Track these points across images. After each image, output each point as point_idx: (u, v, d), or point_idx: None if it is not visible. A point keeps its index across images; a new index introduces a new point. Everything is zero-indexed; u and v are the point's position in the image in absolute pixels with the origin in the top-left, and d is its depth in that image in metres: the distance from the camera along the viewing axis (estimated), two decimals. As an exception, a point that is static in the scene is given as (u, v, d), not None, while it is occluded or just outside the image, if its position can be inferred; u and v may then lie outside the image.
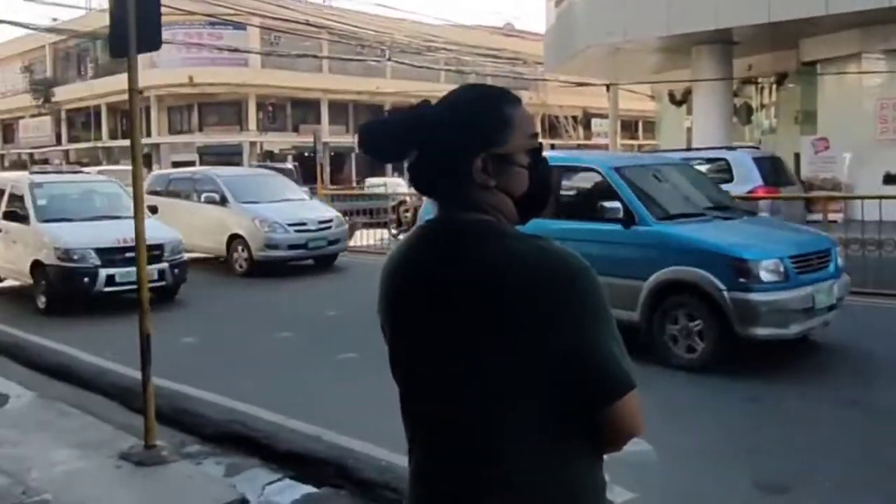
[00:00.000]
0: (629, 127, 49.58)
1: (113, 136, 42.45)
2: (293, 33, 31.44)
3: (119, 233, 9.65)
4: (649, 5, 17.62)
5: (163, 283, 10.28)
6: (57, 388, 6.94)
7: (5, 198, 11.20)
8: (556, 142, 50.04)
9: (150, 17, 4.85)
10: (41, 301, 10.18)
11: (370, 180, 27.63)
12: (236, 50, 32.70)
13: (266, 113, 38.31)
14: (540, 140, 1.51)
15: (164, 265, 10.28)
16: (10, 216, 10.79)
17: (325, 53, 36.38)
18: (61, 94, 44.28)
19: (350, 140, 41.07)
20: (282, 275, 12.94)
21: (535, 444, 1.35)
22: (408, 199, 19.52)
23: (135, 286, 9.80)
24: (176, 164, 37.12)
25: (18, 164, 46.04)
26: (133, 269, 9.69)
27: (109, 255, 9.79)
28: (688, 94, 23.78)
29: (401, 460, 4.61)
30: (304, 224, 13.27)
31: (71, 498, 4.04)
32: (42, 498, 3.65)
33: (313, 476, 4.79)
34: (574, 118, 50.47)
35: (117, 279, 9.81)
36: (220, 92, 38.06)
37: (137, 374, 6.96)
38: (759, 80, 22.80)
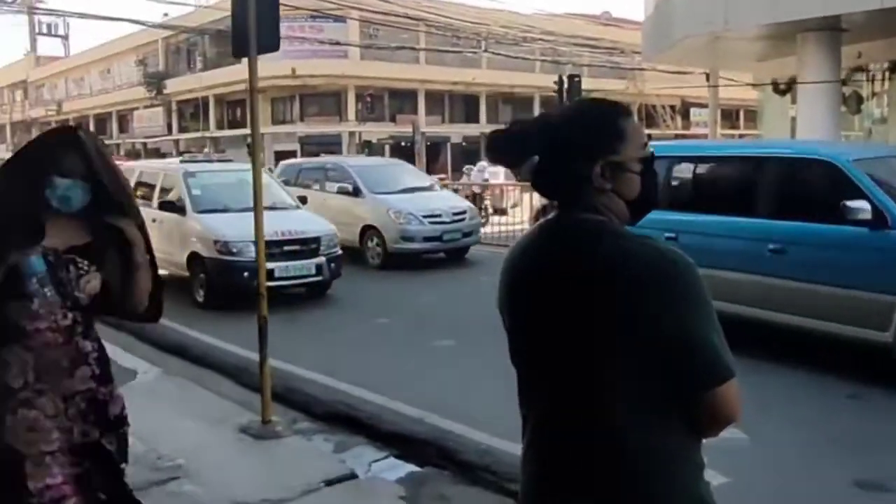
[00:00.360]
0: (729, 116, 48.18)
1: (220, 126, 44.15)
2: (391, 26, 31.95)
3: (278, 225, 9.31)
4: (752, -8, 17.13)
5: (319, 278, 10.00)
6: (174, 364, 7.49)
7: (158, 187, 11.04)
8: (653, 132, 49.13)
9: (269, 20, 5.20)
10: (199, 294, 10.01)
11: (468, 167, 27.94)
12: (337, 43, 33.49)
13: (365, 103, 39.05)
14: (651, 150, 1.67)
15: (321, 259, 9.98)
16: (165, 206, 10.44)
17: (422, 45, 36.83)
18: (172, 85, 46.32)
19: (446, 129, 41.51)
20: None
21: (642, 426, 1.50)
22: (458, 188, 19.83)
23: (296, 281, 9.69)
24: (278, 154, 38.35)
25: (133, 154, 48.51)
26: (294, 263, 9.57)
27: (269, 249, 8.70)
28: (792, 82, 23.02)
29: (500, 444, 4.89)
30: (438, 215, 12.97)
31: (199, 465, 4.41)
32: (176, 463, 4.03)
33: (416, 456, 5.06)
34: (672, 107, 49.43)
35: (277, 274, 9.24)
36: (321, 83, 39.01)
37: (251, 354, 7.50)
38: (870, 67, 21.86)
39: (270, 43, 5.18)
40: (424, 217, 12.87)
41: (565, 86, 24.16)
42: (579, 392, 1.54)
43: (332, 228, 10.62)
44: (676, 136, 50.66)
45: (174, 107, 47.60)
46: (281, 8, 5.48)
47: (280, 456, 4.86)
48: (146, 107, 49.27)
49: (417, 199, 13.35)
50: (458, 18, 31.15)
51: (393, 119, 42.03)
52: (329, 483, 4.38)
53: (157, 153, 47.03)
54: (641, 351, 1.47)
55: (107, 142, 55.45)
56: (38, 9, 51.76)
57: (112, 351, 7.76)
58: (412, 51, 36.28)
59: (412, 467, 4.93)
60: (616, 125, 1.59)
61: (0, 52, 70.37)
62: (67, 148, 2.33)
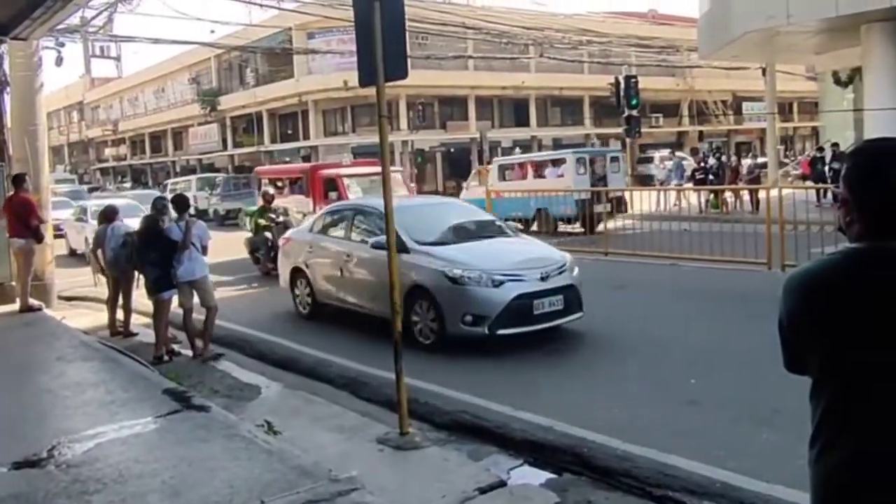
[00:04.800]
0: (783, 109, 47.54)
1: (273, 140, 44.89)
2: (441, 34, 32.19)
3: None
4: (815, -15, 17.01)
5: None
6: (286, 378, 7.77)
7: None
8: (705, 128, 48.78)
9: (397, 50, 5.43)
10: None
11: None
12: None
13: (416, 112, 39.41)
14: None
15: None
16: None
17: (471, 52, 37.05)
18: (226, 102, 47.24)
19: (496, 134, 41.49)
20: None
21: None
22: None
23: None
24: (331, 165, 38.85)
25: (188, 170, 49.59)
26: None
27: None
28: (855, 73, 22.74)
29: (636, 450, 5.02)
30: None
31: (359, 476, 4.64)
32: (350, 474, 4.25)
33: (550, 463, 5.24)
34: (724, 102, 48.97)
35: None
36: (373, 94, 39.07)
37: (362, 367, 7.77)
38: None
39: (399, 72, 5.40)
40: None
41: (622, 86, 24.10)
42: None
43: None
44: (729, 132, 50.29)
45: (228, 122, 48.52)
46: (331, 19, 5.73)
47: (425, 465, 5.07)
48: (200, 123, 50.30)
49: None
50: (514, 25, 31.26)
51: (443, 126, 42.33)
52: (483, 491, 4.59)
53: (213, 168, 47.99)
54: None
55: (162, 159, 56.84)
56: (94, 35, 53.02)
57: (228, 367, 8.13)
58: (461, 58, 36.49)
59: (549, 474, 5.11)
60: None
61: (57, 76, 72.25)
62: None
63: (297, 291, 10.68)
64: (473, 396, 6.55)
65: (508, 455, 5.42)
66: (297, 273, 10.64)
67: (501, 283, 8.05)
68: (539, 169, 21.15)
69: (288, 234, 11.76)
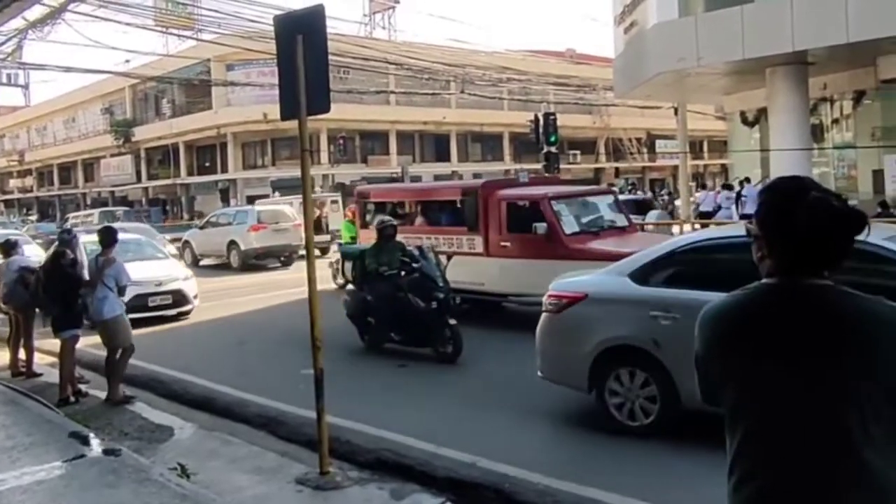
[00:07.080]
0: (694, 147, 49.31)
1: (190, 173, 43.98)
2: (363, 69, 32.30)
3: None
4: (723, 31, 17.77)
5: None
6: (201, 418, 7.50)
7: None
8: (620, 165, 50.17)
9: (320, 84, 5.38)
10: None
11: None
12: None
13: (337, 146, 39.26)
14: None
15: None
16: None
17: (392, 86, 37.25)
18: (140, 133, 46.12)
19: (417, 169, 41.71)
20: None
21: (872, 455, 1.74)
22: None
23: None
24: (251, 199, 38.35)
25: (99, 202, 48.09)
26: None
27: None
28: (760, 113, 23.77)
29: (557, 484, 5.01)
30: None
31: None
32: (268, 519, 4.11)
33: (473, 500, 5.18)
34: (638, 140, 50.52)
35: None
36: (293, 127, 38.89)
37: (280, 406, 7.57)
38: (835, 97, 22.71)
39: (321, 106, 5.36)
40: None
41: (541, 123, 24.52)
42: (824, 432, 1.76)
43: None
44: (644, 168, 51.84)
45: (143, 154, 47.34)
46: (250, 52, 5.67)
47: (347, 507, 4.95)
48: (113, 155, 48.94)
49: None
50: (435, 61, 31.63)
51: (365, 160, 42.33)
52: (406, 531, 4.48)
53: (126, 201, 46.68)
54: (883, 391, 1.75)
55: (72, 191, 54.93)
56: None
57: (139, 408, 7.81)
58: (383, 93, 36.66)
59: (472, 511, 5.05)
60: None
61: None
62: None
63: (616, 389, 6.22)
64: (396, 434, 6.45)
65: (431, 493, 5.34)
66: (619, 357, 6.19)
67: None
68: None
69: (580, 285, 6.66)
